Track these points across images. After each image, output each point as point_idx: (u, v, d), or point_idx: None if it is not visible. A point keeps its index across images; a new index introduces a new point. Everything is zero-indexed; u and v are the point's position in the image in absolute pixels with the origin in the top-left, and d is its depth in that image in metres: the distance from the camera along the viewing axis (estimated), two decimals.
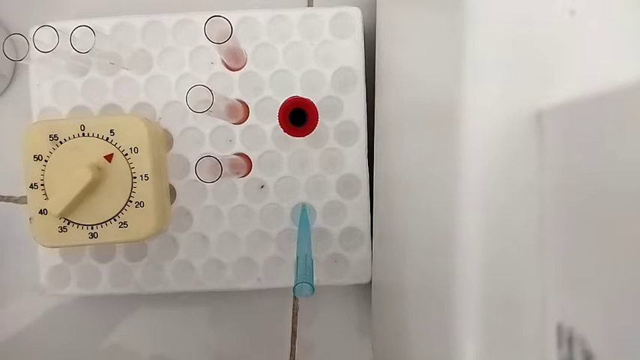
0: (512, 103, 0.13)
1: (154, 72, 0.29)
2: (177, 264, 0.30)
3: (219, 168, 0.23)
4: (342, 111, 0.29)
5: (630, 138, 0.10)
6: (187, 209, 0.29)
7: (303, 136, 0.26)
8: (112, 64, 0.27)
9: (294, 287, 0.22)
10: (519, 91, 0.13)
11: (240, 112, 0.28)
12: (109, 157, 0.26)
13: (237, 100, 0.28)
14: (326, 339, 0.33)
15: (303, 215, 0.29)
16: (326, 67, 0.29)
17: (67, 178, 0.25)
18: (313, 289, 0.22)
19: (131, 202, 0.26)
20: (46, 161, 0.26)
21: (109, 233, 0.26)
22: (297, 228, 0.28)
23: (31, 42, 0.23)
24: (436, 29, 0.17)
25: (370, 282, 0.30)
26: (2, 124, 0.32)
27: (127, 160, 0.26)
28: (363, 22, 0.29)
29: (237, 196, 0.29)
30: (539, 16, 0.13)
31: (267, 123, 0.29)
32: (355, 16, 0.29)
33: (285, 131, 0.25)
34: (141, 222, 0.26)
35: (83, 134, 0.26)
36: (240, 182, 0.29)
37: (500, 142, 0.13)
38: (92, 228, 0.26)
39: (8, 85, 0.33)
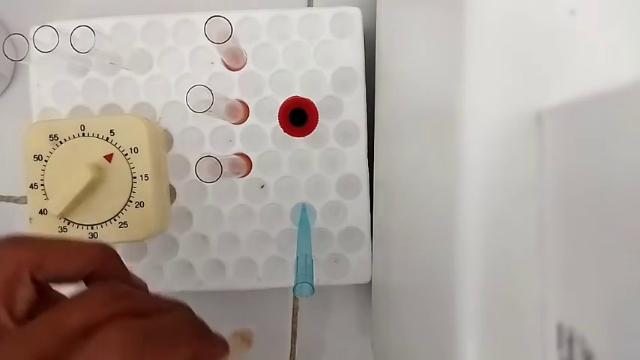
0: (512, 103, 0.13)
1: (153, 72, 0.29)
2: (177, 264, 0.29)
3: (219, 168, 0.23)
4: (342, 111, 0.29)
5: (630, 138, 0.10)
6: (187, 209, 0.29)
7: (303, 136, 0.26)
8: (112, 64, 0.27)
9: (294, 287, 0.22)
10: (519, 91, 0.13)
11: (240, 112, 0.28)
12: (109, 157, 0.26)
13: (237, 100, 0.28)
14: (326, 339, 0.33)
15: (303, 215, 0.29)
16: (326, 67, 0.29)
17: (67, 178, 0.25)
18: (313, 289, 0.22)
19: (131, 202, 0.26)
20: (46, 161, 0.26)
21: (109, 233, 0.26)
22: (297, 228, 0.28)
23: (31, 42, 0.23)
24: (436, 29, 0.17)
25: (370, 282, 0.30)
26: (2, 124, 0.32)
27: (127, 160, 0.26)
28: (363, 22, 0.29)
29: (237, 196, 0.29)
30: (539, 16, 0.13)
31: (267, 123, 0.29)
32: (355, 16, 0.29)
33: (285, 131, 0.25)
34: (141, 222, 0.26)
35: (83, 134, 0.26)
36: (240, 182, 0.29)
37: (500, 143, 0.13)
38: (92, 228, 0.26)
39: (8, 85, 0.33)
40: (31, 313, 0.18)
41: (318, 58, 0.29)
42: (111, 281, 0.19)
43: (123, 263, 0.21)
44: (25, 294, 0.18)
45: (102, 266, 0.19)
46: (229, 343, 0.22)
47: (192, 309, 0.22)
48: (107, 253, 0.20)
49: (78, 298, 0.18)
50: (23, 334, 0.17)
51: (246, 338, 0.28)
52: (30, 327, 0.17)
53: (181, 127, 0.29)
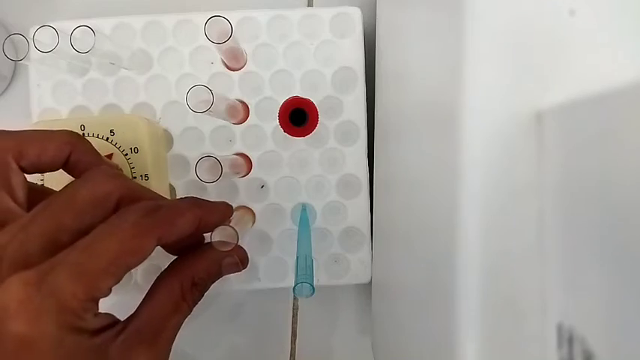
0: (512, 103, 0.13)
1: (154, 72, 0.29)
2: None
3: (219, 168, 0.23)
4: (342, 111, 0.29)
5: (630, 138, 0.10)
6: None
7: (303, 136, 0.26)
8: (112, 64, 0.27)
9: (294, 287, 0.22)
10: (519, 91, 0.13)
11: (240, 112, 0.28)
12: (109, 157, 0.26)
13: (237, 100, 0.28)
14: (326, 339, 0.33)
15: (303, 215, 0.29)
16: (326, 67, 0.29)
17: (68, 178, 0.25)
18: (313, 289, 0.22)
19: None
20: None
21: None
22: (297, 228, 0.28)
23: (31, 42, 0.23)
24: (436, 29, 0.17)
25: (370, 282, 0.30)
26: (2, 124, 0.32)
27: (127, 160, 0.26)
28: (363, 22, 0.29)
29: (237, 196, 0.29)
30: (539, 16, 0.13)
31: (267, 123, 0.29)
32: (355, 16, 0.29)
33: (285, 131, 0.25)
34: None
35: (83, 134, 0.26)
36: (240, 182, 0.29)
37: (500, 142, 0.13)
38: None
39: (8, 85, 0.33)
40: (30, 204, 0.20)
41: (318, 58, 0.29)
42: (101, 167, 0.21)
43: (93, 147, 0.23)
44: (18, 180, 0.20)
45: (76, 147, 0.21)
46: (236, 218, 0.24)
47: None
48: (78, 136, 0.22)
49: (79, 180, 0.20)
50: (41, 212, 0.18)
51: (248, 210, 0.29)
52: (42, 206, 0.18)
53: (181, 127, 0.29)
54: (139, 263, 0.18)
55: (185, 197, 0.23)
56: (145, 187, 0.22)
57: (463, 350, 0.13)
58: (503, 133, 0.13)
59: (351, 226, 0.29)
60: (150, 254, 0.19)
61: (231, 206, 0.24)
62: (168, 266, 0.22)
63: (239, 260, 0.24)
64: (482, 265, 0.13)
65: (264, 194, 0.29)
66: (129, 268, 0.18)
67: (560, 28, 0.13)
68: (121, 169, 0.26)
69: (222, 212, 0.24)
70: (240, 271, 0.24)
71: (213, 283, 0.23)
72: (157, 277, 0.21)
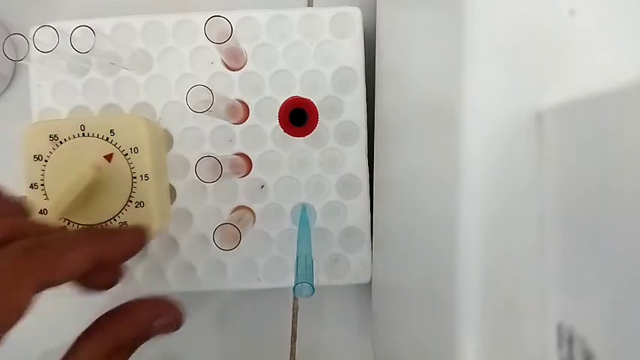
0: (512, 103, 0.13)
1: (154, 72, 0.29)
2: (177, 264, 0.29)
3: (219, 168, 0.23)
4: (342, 111, 0.29)
5: (630, 138, 0.10)
6: (187, 209, 0.29)
7: (303, 136, 0.26)
8: (112, 64, 0.27)
9: (294, 287, 0.22)
10: (519, 91, 0.13)
11: (240, 112, 0.28)
12: (108, 157, 0.26)
13: (237, 100, 0.28)
14: (326, 339, 0.33)
15: (303, 215, 0.29)
16: (326, 67, 0.29)
17: (67, 178, 0.25)
18: (313, 289, 0.22)
19: (131, 202, 0.26)
20: (46, 161, 0.26)
21: None
22: (297, 228, 0.28)
23: (31, 42, 0.23)
24: (436, 29, 0.17)
25: (370, 282, 0.30)
26: (2, 124, 0.32)
27: (127, 160, 0.26)
28: (363, 22, 0.29)
29: (237, 196, 0.29)
30: (539, 16, 0.13)
31: (267, 123, 0.29)
32: (355, 16, 0.29)
33: (285, 131, 0.25)
34: (141, 222, 0.26)
35: (83, 134, 0.26)
36: (240, 182, 0.29)
37: (500, 143, 0.13)
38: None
39: (8, 85, 0.33)
40: None
41: (318, 58, 0.29)
42: None
43: None
44: None
45: None
46: (236, 218, 0.22)
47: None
48: None
49: None
50: None
51: (248, 210, 0.29)
52: None
53: (181, 127, 0.29)
54: (19, 319, 0.15)
55: (82, 229, 0.20)
56: (35, 223, 0.19)
57: (463, 350, 0.13)
58: (503, 133, 0.13)
59: (351, 226, 0.29)
60: (30, 305, 0.16)
61: (144, 232, 0.22)
62: (90, 325, 0.19)
63: (174, 320, 0.21)
64: (483, 265, 0.13)
65: (264, 194, 0.29)
66: (6, 329, 0.15)
67: (560, 28, 0.13)
68: (21, 204, 0.22)
69: (130, 241, 0.21)
70: (175, 330, 0.21)
71: (142, 344, 0.20)
72: (77, 338, 0.19)
